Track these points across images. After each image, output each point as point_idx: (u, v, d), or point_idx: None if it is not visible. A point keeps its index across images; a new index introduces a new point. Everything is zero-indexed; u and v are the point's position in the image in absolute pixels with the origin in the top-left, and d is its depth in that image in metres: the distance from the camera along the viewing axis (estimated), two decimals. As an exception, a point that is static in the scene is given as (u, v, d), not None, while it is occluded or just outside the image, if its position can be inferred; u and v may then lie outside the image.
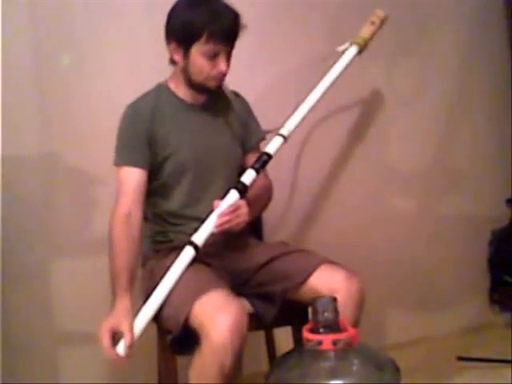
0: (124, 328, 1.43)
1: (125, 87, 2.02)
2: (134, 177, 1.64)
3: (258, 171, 1.67)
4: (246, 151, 1.83)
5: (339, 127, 2.42)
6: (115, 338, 1.44)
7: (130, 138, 1.67)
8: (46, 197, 2.07)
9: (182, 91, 1.73)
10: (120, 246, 1.56)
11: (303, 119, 1.81)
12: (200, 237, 1.57)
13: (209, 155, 1.73)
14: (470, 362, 2.17)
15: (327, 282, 1.57)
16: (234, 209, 1.59)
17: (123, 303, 1.49)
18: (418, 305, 2.54)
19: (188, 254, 1.54)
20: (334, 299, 1.36)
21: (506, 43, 2.64)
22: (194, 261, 1.56)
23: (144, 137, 1.66)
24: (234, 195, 1.62)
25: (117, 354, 1.42)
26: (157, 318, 1.53)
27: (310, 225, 2.40)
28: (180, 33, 1.62)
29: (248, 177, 1.66)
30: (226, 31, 1.61)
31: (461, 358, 2.19)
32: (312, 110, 1.83)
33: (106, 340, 1.43)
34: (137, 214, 1.61)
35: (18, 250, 2.02)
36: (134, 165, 1.64)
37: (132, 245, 1.57)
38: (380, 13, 1.98)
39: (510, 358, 2.12)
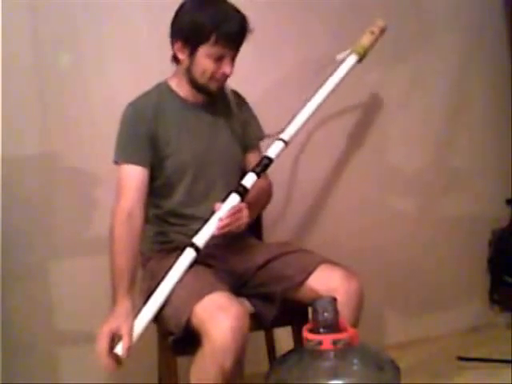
0: (123, 331, 1.42)
1: (125, 87, 2.03)
2: (135, 175, 1.63)
3: (258, 175, 1.67)
4: (245, 151, 1.83)
5: (339, 129, 2.42)
6: (115, 339, 1.44)
7: (132, 136, 1.67)
8: (46, 197, 2.08)
9: (183, 90, 1.73)
10: (121, 246, 1.55)
11: (303, 125, 1.81)
12: (201, 239, 1.56)
13: (209, 155, 1.73)
14: (470, 361, 2.17)
15: (326, 282, 1.57)
16: (235, 211, 1.59)
17: (124, 305, 1.48)
18: (418, 305, 2.54)
19: (189, 255, 1.54)
20: (334, 299, 1.36)
21: (505, 44, 2.64)
22: (195, 262, 1.56)
23: (145, 135, 1.66)
24: (234, 198, 1.62)
25: (110, 360, 1.41)
26: (157, 318, 1.53)
27: (310, 225, 2.40)
28: (188, 33, 1.62)
29: (249, 180, 1.66)
30: (235, 35, 1.62)
31: (461, 358, 2.19)
32: (312, 116, 1.83)
33: (102, 343, 1.41)
34: (138, 214, 1.60)
35: (18, 250, 2.02)
36: (136, 163, 1.64)
37: (133, 245, 1.57)
38: (380, 22, 2.01)
39: (510, 358, 2.12)
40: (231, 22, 1.60)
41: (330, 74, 1.90)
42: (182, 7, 1.66)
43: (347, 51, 1.95)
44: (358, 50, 1.94)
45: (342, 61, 1.94)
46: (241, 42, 1.65)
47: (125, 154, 1.66)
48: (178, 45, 1.65)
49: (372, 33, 1.98)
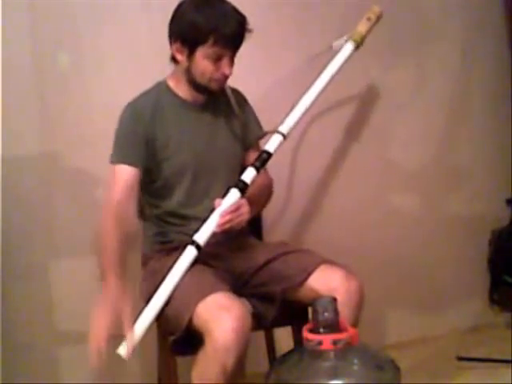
0: (127, 329, 1.41)
1: (124, 87, 2.02)
2: (126, 174, 1.64)
3: (258, 169, 1.67)
4: (245, 149, 1.83)
5: (337, 125, 2.42)
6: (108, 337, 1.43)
7: (127, 136, 1.67)
8: (46, 197, 2.07)
9: (182, 90, 1.73)
10: (110, 237, 1.55)
11: (301, 117, 1.81)
12: (202, 236, 1.56)
13: (209, 155, 1.73)
14: (470, 361, 2.17)
15: (326, 281, 1.57)
16: (236, 208, 1.59)
17: (117, 285, 1.46)
18: (418, 305, 2.54)
19: (190, 253, 1.54)
20: (334, 299, 1.36)
21: (505, 43, 2.63)
22: (196, 262, 1.56)
23: (142, 136, 1.66)
24: (235, 194, 1.62)
25: (103, 361, 1.38)
26: (158, 318, 1.53)
27: (309, 224, 2.40)
28: (186, 34, 1.61)
29: (248, 175, 1.66)
30: (233, 36, 1.61)
31: (461, 358, 2.19)
32: (310, 107, 1.82)
33: (102, 342, 1.38)
34: (129, 212, 1.62)
35: (18, 250, 2.02)
36: (128, 163, 1.64)
37: (123, 241, 1.57)
38: (376, 9, 1.99)
39: (510, 358, 2.12)
40: (229, 23, 1.59)
41: (327, 63, 1.89)
42: (179, 7, 1.65)
43: (343, 38, 1.93)
44: (354, 38, 1.92)
45: (339, 49, 1.92)
46: (239, 43, 1.64)
47: (119, 154, 1.67)
48: (176, 45, 1.64)
49: (369, 19, 1.96)
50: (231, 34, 1.60)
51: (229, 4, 1.64)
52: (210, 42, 1.58)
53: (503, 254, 2.58)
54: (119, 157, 1.66)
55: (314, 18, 2.35)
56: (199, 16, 1.59)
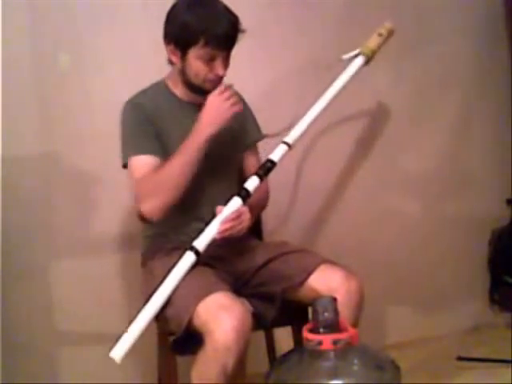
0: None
1: (124, 87, 2.02)
2: (147, 164, 1.61)
3: (261, 178, 1.66)
4: (242, 151, 1.83)
5: (342, 132, 2.41)
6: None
7: (136, 129, 1.66)
8: (46, 197, 2.08)
9: (179, 90, 1.72)
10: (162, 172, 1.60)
11: (308, 128, 1.80)
12: (202, 242, 1.56)
13: (207, 155, 1.73)
14: (470, 361, 2.17)
15: (326, 281, 1.57)
16: (237, 215, 1.59)
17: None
18: (418, 305, 2.54)
19: (189, 259, 1.53)
20: (334, 299, 1.36)
21: (506, 50, 2.64)
22: (196, 263, 1.55)
23: (149, 126, 1.65)
24: (237, 202, 1.61)
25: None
26: (158, 318, 1.52)
27: (311, 226, 2.40)
28: (177, 36, 1.61)
29: (251, 184, 1.64)
30: (224, 37, 1.60)
31: (461, 358, 2.19)
32: (317, 118, 1.81)
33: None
34: None
35: (18, 250, 2.02)
36: (146, 152, 1.62)
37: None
38: (388, 25, 1.98)
39: (510, 358, 2.12)
40: (220, 24, 1.58)
41: (336, 76, 1.88)
42: (171, 10, 1.65)
43: (354, 52, 1.93)
44: (365, 52, 1.92)
45: (348, 62, 1.92)
46: (232, 44, 1.63)
47: (132, 147, 1.65)
48: (170, 47, 1.64)
49: (380, 35, 1.96)
50: (222, 34, 1.59)
51: (221, 3, 1.63)
52: (201, 42, 1.58)
53: (503, 254, 2.58)
54: (134, 150, 1.64)
55: (313, 17, 2.35)
56: (190, 16, 1.59)
